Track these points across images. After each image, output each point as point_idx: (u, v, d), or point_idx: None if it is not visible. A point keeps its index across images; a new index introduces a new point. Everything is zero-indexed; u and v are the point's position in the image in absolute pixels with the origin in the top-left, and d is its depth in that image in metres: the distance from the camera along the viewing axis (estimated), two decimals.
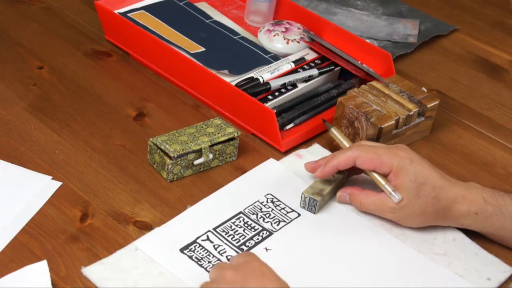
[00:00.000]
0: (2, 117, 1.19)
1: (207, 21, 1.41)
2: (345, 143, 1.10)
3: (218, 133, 1.13)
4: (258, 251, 1.01)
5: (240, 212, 1.06)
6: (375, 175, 1.05)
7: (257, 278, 0.87)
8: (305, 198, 1.07)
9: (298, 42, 1.35)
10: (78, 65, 1.32)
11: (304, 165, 1.10)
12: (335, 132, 1.12)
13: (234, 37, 1.37)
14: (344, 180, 1.11)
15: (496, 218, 1.02)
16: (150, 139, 1.12)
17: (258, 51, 1.35)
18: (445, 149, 1.24)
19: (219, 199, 1.08)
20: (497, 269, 1.03)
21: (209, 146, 1.12)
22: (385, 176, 1.04)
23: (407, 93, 1.23)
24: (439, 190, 1.02)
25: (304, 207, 1.07)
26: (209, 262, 0.99)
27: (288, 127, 1.21)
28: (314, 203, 1.06)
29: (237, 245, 1.02)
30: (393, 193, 1.03)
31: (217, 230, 1.03)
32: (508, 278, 1.03)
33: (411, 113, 1.19)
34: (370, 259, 1.02)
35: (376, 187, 1.06)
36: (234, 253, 1.00)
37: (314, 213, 1.07)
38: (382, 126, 1.16)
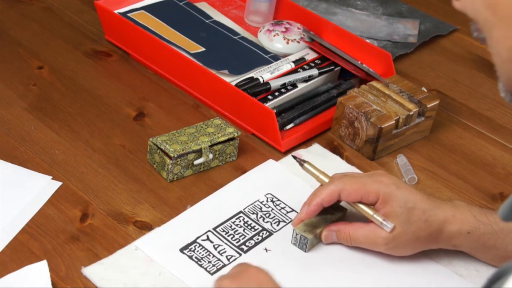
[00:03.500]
0: (2, 117, 1.19)
1: (207, 21, 1.41)
2: (323, 177, 1.01)
3: (218, 133, 1.13)
4: (258, 251, 1.01)
5: (240, 212, 1.06)
6: (362, 206, 0.99)
7: (253, 286, 0.86)
8: (296, 235, 1.00)
9: (298, 42, 1.35)
10: (78, 65, 1.32)
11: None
12: (310, 168, 1.03)
13: (234, 37, 1.37)
14: (343, 219, 1.04)
15: (488, 237, 0.99)
16: (150, 139, 1.12)
17: (258, 51, 1.35)
18: (445, 149, 1.24)
19: (219, 199, 1.08)
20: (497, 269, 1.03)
21: (209, 146, 1.12)
22: (371, 205, 0.99)
23: (407, 93, 1.23)
24: (429, 213, 0.98)
25: (295, 244, 1.01)
26: (209, 262, 0.99)
27: (288, 127, 1.21)
28: (305, 241, 1.00)
29: (237, 245, 1.01)
30: (384, 222, 0.97)
31: (217, 230, 1.03)
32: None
33: (411, 113, 1.19)
34: (370, 259, 1.02)
35: (360, 218, 1.01)
36: (234, 253, 1.00)
37: (305, 251, 1.01)
38: (382, 126, 1.16)
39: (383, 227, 0.97)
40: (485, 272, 1.02)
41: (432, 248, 1.01)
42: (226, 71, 1.27)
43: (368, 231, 0.99)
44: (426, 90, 1.25)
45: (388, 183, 0.98)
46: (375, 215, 0.98)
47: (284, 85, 1.25)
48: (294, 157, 1.05)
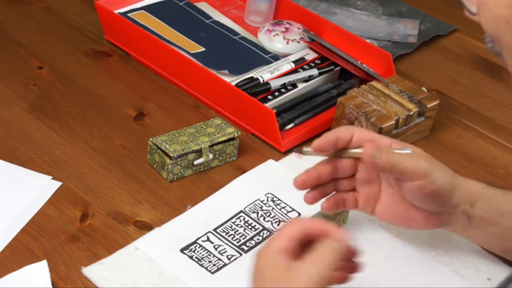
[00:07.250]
0: (2, 117, 1.19)
1: (207, 21, 1.41)
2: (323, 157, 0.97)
3: (218, 133, 1.13)
4: None
5: (241, 211, 1.06)
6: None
7: None
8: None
9: (298, 42, 1.35)
10: (78, 65, 1.32)
11: (294, 182, 0.97)
12: (310, 150, 0.96)
13: (234, 37, 1.37)
14: (346, 217, 1.04)
15: (502, 200, 0.95)
16: (150, 139, 1.12)
17: (258, 51, 1.35)
18: (445, 149, 1.24)
19: (219, 200, 1.08)
20: (497, 269, 1.03)
21: (209, 146, 1.12)
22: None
23: (407, 93, 1.23)
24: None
25: None
26: (210, 261, 0.99)
27: (288, 127, 1.21)
28: None
29: (237, 244, 1.02)
30: (403, 150, 0.92)
31: (217, 230, 1.03)
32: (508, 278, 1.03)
33: (411, 113, 1.19)
34: (371, 259, 1.02)
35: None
36: (234, 253, 1.00)
37: None
38: (382, 126, 1.16)
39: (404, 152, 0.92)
40: (485, 272, 1.02)
41: (447, 212, 0.95)
42: (226, 71, 1.27)
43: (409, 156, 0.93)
44: (426, 90, 1.25)
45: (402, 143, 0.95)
46: (395, 150, 0.92)
47: (284, 85, 1.25)
48: (294, 152, 1.01)
